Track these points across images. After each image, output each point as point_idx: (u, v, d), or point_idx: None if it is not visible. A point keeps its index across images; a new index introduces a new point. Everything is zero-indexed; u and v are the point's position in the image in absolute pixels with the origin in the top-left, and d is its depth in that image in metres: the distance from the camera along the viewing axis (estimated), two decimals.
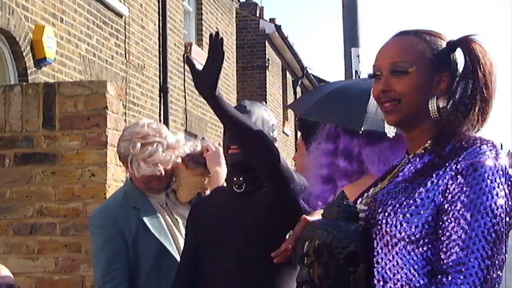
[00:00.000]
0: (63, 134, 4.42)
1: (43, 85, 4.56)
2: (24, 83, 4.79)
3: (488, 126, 1.91)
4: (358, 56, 5.72)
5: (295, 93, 23.01)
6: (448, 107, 1.91)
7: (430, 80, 1.91)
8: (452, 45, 1.94)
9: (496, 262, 1.75)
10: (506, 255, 1.81)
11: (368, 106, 2.43)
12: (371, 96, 2.35)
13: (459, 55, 1.94)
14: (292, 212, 2.55)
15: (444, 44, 1.95)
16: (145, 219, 3.18)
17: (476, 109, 1.88)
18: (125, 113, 9.57)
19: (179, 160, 3.27)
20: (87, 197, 4.38)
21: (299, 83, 23.41)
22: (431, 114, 1.91)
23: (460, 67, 1.93)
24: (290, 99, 22.07)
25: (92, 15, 8.97)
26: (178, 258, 3.12)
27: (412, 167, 1.91)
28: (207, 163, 3.25)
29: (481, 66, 1.89)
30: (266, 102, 17.39)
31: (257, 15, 19.64)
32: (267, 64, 18.62)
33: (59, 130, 4.42)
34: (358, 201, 2.01)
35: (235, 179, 2.79)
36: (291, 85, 22.76)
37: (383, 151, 2.37)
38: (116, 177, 4.50)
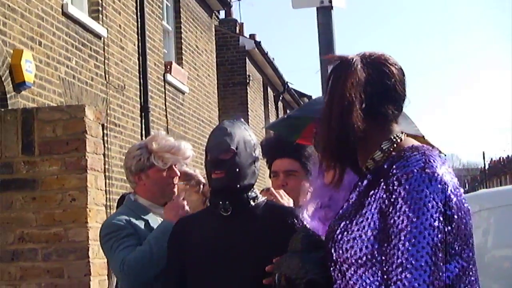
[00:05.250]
0: (42, 159, 4.42)
1: (21, 110, 4.57)
2: (2, 109, 4.79)
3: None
4: None
5: (276, 108, 23.06)
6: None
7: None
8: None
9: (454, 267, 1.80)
10: (474, 257, 1.85)
11: None
12: None
13: None
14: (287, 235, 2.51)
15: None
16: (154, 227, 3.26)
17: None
18: (106, 134, 9.55)
19: (187, 163, 3.46)
20: (68, 221, 4.38)
21: (281, 98, 23.48)
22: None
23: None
24: (272, 115, 22.11)
25: (71, 38, 8.97)
26: None
27: (358, 189, 1.99)
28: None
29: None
30: (248, 119, 17.42)
31: (237, 31, 19.69)
32: (248, 80, 18.66)
33: (39, 156, 4.43)
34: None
35: (220, 202, 2.80)
36: (273, 101, 22.81)
37: None
38: (97, 200, 4.49)
